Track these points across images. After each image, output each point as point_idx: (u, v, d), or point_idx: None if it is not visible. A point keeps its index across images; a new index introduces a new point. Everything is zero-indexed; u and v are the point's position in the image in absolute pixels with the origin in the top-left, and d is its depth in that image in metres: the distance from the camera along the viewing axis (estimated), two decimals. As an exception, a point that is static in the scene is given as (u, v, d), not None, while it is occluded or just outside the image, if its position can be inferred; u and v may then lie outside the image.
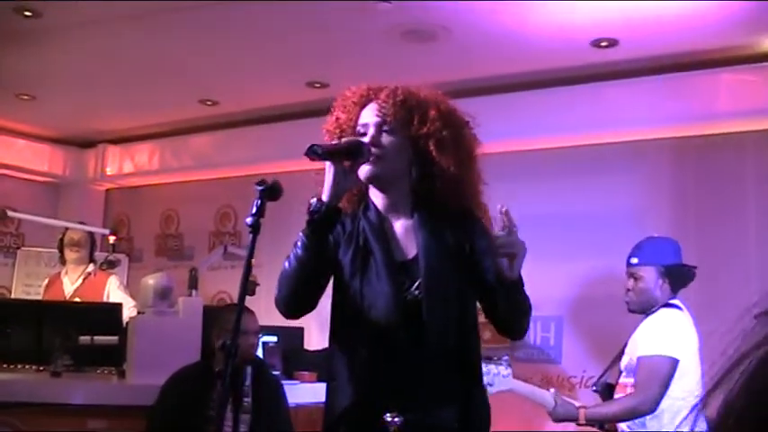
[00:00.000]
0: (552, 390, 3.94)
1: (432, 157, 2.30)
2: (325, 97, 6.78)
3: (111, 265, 5.93)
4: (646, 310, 4.00)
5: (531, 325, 6.10)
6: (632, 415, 3.77)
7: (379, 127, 2.31)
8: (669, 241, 4.19)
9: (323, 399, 5.06)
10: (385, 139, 2.30)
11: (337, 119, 2.42)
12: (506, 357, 4.03)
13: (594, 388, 4.10)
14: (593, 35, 5.41)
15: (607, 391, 4.06)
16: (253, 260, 5.91)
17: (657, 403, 3.73)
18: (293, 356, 5.28)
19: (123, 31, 5.61)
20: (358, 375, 2.31)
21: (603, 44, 5.51)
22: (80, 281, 6.05)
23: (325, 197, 2.23)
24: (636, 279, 4.03)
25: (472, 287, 2.34)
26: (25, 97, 7.20)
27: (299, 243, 2.26)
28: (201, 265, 5.68)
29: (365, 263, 2.30)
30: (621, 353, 4.05)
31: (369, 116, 2.34)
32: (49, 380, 4.67)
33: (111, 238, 5.90)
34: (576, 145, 6.20)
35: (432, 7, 5.04)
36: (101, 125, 8.20)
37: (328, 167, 2.22)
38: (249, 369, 4.10)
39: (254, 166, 7.65)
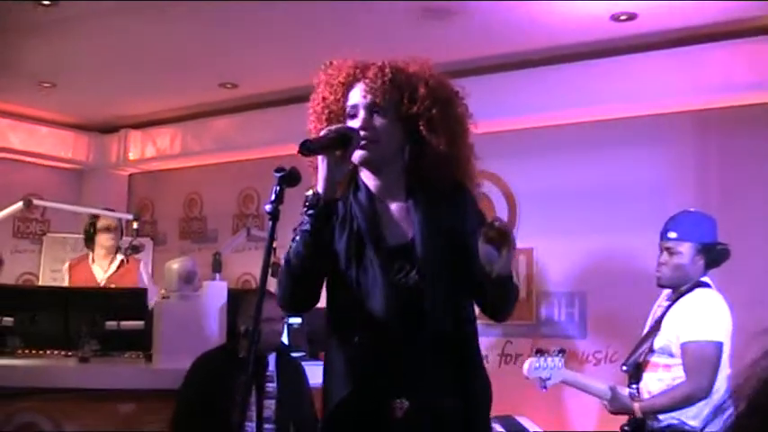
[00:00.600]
0: (611, 383, 3.93)
1: (422, 136, 2.26)
2: (344, 77, 6.85)
3: (135, 250, 5.97)
4: (677, 286, 3.96)
5: (556, 301, 6.17)
6: (688, 402, 3.74)
7: (369, 109, 2.26)
8: (707, 218, 4.10)
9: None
10: (376, 121, 2.25)
11: (324, 98, 2.36)
12: (562, 350, 4.03)
13: (625, 368, 4.05)
14: (613, 9, 5.37)
15: (636, 370, 4.01)
16: (274, 246, 5.95)
17: (711, 388, 3.70)
18: (318, 338, 5.28)
19: (141, 18, 5.63)
20: (357, 363, 2.26)
21: (623, 18, 5.47)
22: (113, 268, 6.08)
23: (320, 189, 2.18)
24: (672, 254, 3.95)
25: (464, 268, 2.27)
26: (47, 85, 7.24)
27: (297, 238, 2.21)
28: (225, 249, 5.71)
29: (359, 250, 2.26)
30: (653, 330, 3.98)
31: (357, 97, 2.29)
32: (78, 365, 4.72)
33: (135, 224, 5.92)
34: (597, 119, 6.17)
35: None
36: (122, 110, 8.24)
37: (321, 159, 2.19)
38: (273, 356, 4.13)
39: (275, 148, 7.65)
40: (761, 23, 5.50)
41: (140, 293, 5.29)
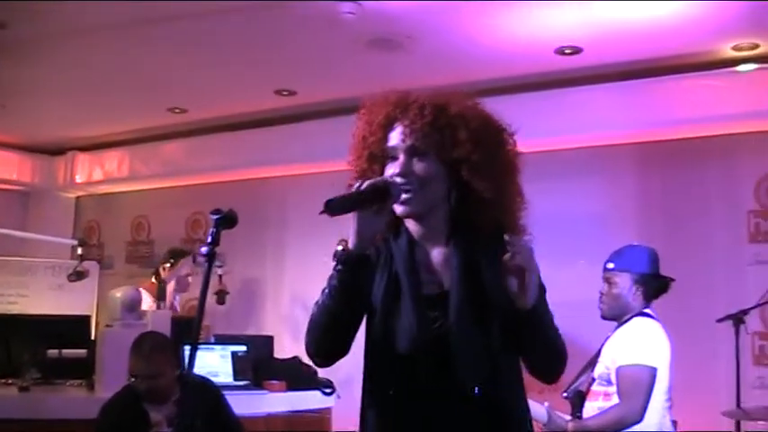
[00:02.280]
0: (546, 403, 3.96)
1: (465, 181, 2.11)
2: (292, 104, 6.89)
3: (79, 275, 5.92)
4: (618, 317, 4.03)
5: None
6: (620, 425, 3.79)
7: (408, 153, 2.11)
8: (647, 250, 4.16)
9: (292, 408, 5.11)
10: (416, 165, 2.10)
11: (364, 138, 2.19)
12: None
13: (566, 395, 4.11)
14: (558, 43, 5.46)
15: (578, 399, 4.07)
16: (220, 273, 5.85)
17: (644, 412, 3.78)
18: (263, 365, 5.28)
19: (92, 41, 5.61)
20: (390, 417, 2.13)
21: (568, 51, 5.57)
22: None
23: (351, 246, 2.05)
24: (610, 284, 4.04)
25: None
26: (-7, 107, 7.17)
27: (326, 291, 2.08)
28: (170, 278, 5.69)
29: (396, 298, 2.13)
30: (594, 360, 4.06)
31: (397, 140, 2.13)
32: (18, 395, 4.66)
33: (80, 249, 5.87)
34: (541, 150, 6.23)
35: (397, 17, 5.07)
36: (70, 133, 8.19)
37: (353, 215, 2.04)
38: (170, 404, 3.98)
39: (223, 173, 7.71)
40: (701, 59, 5.62)
41: (84, 321, 5.25)
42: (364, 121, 2.20)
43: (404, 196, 2.08)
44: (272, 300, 7.47)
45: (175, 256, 6.46)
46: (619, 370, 3.87)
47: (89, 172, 8.59)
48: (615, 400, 3.89)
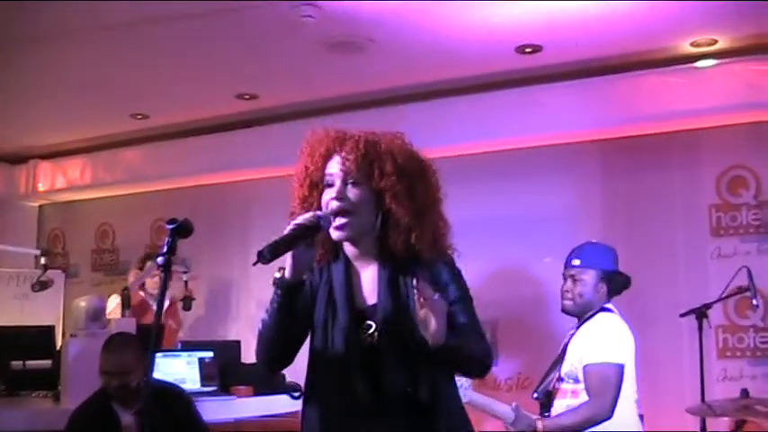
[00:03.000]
0: (513, 404, 3.98)
1: (388, 208, 2.38)
2: (254, 108, 6.87)
3: (43, 285, 5.85)
4: (581, 313, 4.07)
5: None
6: (590, 423, 3.83)
7: (344, 180, 2.38)
8: (609, 248, 4.25)
9: (259, 413, 5.09)
10: (350, 192, 2.37)
11: (306, 167, 2.46)
12: None
13: (536, 395, 4.13)
14: (518, 41, 5.48)
15: (547, 398, 4.10)
16: (185, 279, 5.80)
17: (613, 409, 3.82)
18: (230, 371, 5.25)
19: (52, 47, 5.55)
20: (325, 424, 2.39)
21: (528, 50, 5.59)
22: None
23: (287, 275, 2.30)
24: (575, 281, 4.08)
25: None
26: (-49, 115, 7.10)
27: (268, 308, 2.36)
28: (134, 285, 5.65)
29: (333, 314, 2.40)
30: (560, 358, 4.09)
31: (335, 168, 2.40)
32: (-19, 406, 4.61)
33: (43, 259, 5.81)
34: (504, 149, 6.29)
35: (357, 18, 5.06)
36: (30, 141, 8.11)
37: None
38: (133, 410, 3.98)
39: (186, 178, 7.67)
40: (662, 55, 5.68)
41: (48, 331, 5.20)
42: (306, 153, 2.48)
43: (338, 222, 2.35)
44: (238, 305, 7.45)
45: (144, 260, 6.46)
46: (586, 368, 3.90)
47: (51, 180, 8.51)
48: (583, 397, 3.92)
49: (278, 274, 2.34)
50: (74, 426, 4.03)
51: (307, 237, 2.27)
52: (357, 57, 5.64)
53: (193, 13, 4.96)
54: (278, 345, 2.41)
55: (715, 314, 4.99)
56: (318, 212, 2.34)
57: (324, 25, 5.04)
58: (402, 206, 2.36)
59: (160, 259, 2.05)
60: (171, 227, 2.09)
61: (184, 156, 7.49)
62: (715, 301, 4.72)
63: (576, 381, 3.96)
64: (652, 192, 5.93)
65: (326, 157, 2.43)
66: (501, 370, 6.16)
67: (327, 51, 5.53)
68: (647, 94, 5.77)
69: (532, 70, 5.94)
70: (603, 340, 3.94)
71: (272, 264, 2.15)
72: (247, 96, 6.60)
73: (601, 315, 4.03)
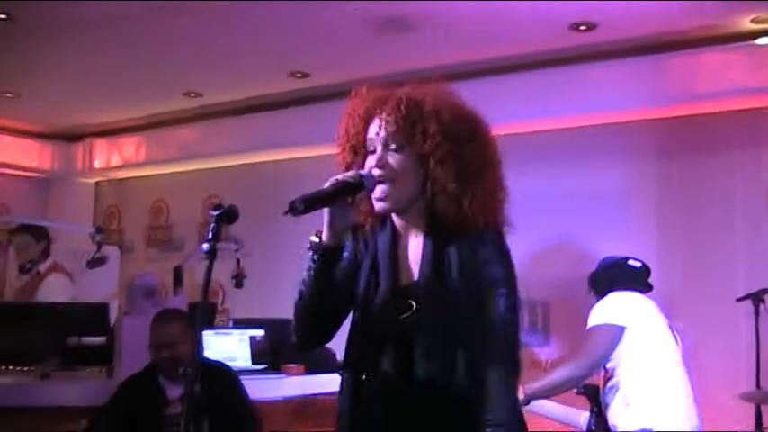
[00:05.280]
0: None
1: (433, 174, 2.18)
2: (306, 87, 6.87)
3: (99, 262, 5.93)
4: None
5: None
6: (567, 384, 3.88)
7: (384, 145, 2.19)
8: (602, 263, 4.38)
9: (311, 391, 5.11)
10: (392, 158, 2.18)
11: (346, 131, 2.28)
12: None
13: (577, 390, 4.11)
14: (572, 18, 5.40)
15: (593, 393, 4.07)
16: (237, 257, 5.80)
17: (591, 369, 3.87)
18: (281, 349, 5.27)
19: (104, 31, 5.61)
20: (362, 403, 2.21)
21: (582, 28, 5.50)
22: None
23: (324, 237, 2.15)
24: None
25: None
26: (9, 95, 7.22)
27: (303, 276, 2.20)
28: (187, 262, 5.70)
29: (375, 289, 2.23)
30: None
31: (374, 132, 2.22)
32: (39, 382, 4.68)
33: (98, 237, 5.88)
34: (557, 128, 6.21)
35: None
36: (87, 119, 8.23)
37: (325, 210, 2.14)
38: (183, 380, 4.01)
39: (238, 156, 7.72)
40: (718, 32, 5.54)
41: (102, 308, 5.26)
42: (347, 114, 2.28)
43: (380, 191, 2.16)
44: (291, 283, 7.46)
45: None
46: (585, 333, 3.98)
47: (107, 157, 8.64)
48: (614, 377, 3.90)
49: (314, 238, 2.17)
50: (120, 396, 4.15)
51: (347, 194, 2.11)
52: (409, 34, 5.61)
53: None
54: (313, 318, 2.23)
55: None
56: (362, 171, 2.17)
57: (375, 4, 5.01)
58: (447, 171, 2.16)
59: (205, 246, 2.02)
60: (215, 213, 2.04)
61: (237, 134, 7.54)
62: (773, 287, 4.64)
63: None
64: (710, 173, 5.81)
65: (366, 120, 2.24)
66: (552, 351, 6.12)
67: (379, 29, 5.51)
68: (705, 72, 5.64)
69: (587, 47, 5.84)
70: (602, 305, 4.02)
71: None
72: (299, 75, 6.61)
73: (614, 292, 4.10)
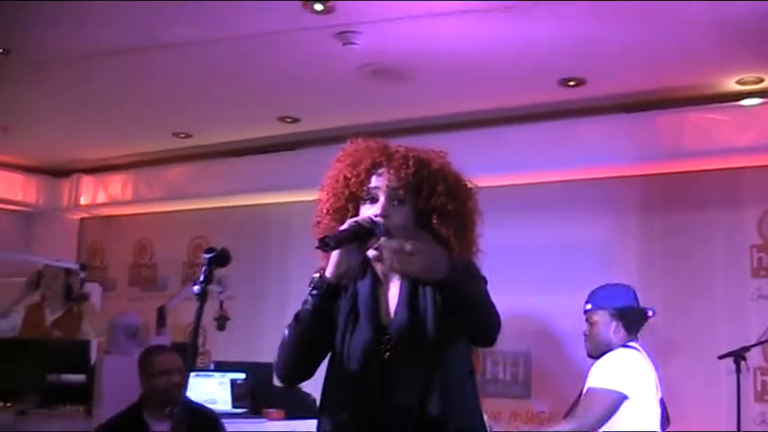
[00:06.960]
0: None
1: (433, 228, 2.30)
2: (295, 131, 6.91)
3: (81, 298, 5.91)
4: (602, 354, 4.06)
5: (501, 359, 6.17)
6: None
7: (389, 197, 2.28)
8: (621, 286, 4.28)
9: (290, 436, 5.07)
10: (396, 211, 2.27)
11: (346, 178, 2.34)
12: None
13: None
14: (561, 74, 5.47)
15: None
16: (221, 299, 5.78)
17: (592, 429, 3.82)
18: (262, 393, 5.26)
19: (96, 66, 5.63)
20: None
21: (571, 83, 5.58)
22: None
23: (329, 275, 2.25)
24: (591, 324, 4.13)
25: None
26: (-2, 128, 7.22)
27: (299, 315, 2.28)
28: (171, 303, 5.69)
29: (353, 326, 2.31)
30: (580, 394, 4.09)
31: (381, 183, 2.30)
32: (15, 418, 4.64)
33: (82, 273, 5.87)
34: (543, 181, 6.26)
35: (401, 47, 5.09)
36: (75, 155, 8.21)
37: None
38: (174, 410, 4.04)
39: (225, 198, 7.74)
40: (705, 92, 5.64)
41: (83, 346, 5.23)
42: (347, 163, 2.35)
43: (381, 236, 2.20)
44: (273, 327, 7.44)
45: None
46: (586, 392, 3.93)
47: (93, 194, 8.61)
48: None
49: (317, 275, 2.27)
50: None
51: (365, 238, 2.20)
52: (399, 83, 5.66)
53: (238, 35, 5.01)
54: (304, 353, 2.31)
55: (754, 355, 4.93)
56: (376, 218, 2.24)
57: (367, 51, 5.07)
58: (448, 226, 2.29)
59: (196, 288, 2.03)
60: (208, 256, 2.07)
61: (225, 176, 7.56)
62: (753, 345, 4.68)
63: None
64: (692, 230, 5.87)
65: (371, 171, 2.32)
66: (535, 403, 6.11)
67: (370, 77, 5.56)
68: (690, 130, 5.72)
69: (575, 102, 5.92)
70: (609, 368, 3.94)
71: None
72: (289, 119, 6.65)
73: (619, 350, 4.03)
